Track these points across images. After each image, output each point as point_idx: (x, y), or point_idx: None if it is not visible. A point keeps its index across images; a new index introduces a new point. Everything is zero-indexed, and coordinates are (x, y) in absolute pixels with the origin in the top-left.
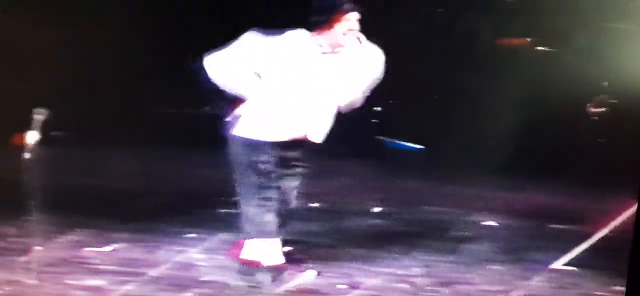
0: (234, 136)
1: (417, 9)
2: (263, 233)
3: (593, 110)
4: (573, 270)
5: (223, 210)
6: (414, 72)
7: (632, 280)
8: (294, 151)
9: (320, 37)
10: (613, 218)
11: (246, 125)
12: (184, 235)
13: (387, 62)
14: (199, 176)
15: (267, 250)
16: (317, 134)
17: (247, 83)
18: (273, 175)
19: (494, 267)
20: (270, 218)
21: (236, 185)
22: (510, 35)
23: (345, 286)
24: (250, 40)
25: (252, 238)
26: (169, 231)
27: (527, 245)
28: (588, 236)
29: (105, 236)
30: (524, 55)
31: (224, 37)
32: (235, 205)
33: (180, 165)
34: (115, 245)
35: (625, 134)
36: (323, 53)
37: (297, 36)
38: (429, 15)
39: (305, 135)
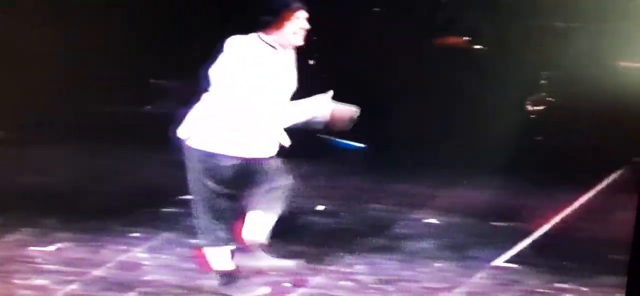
0: (190, 147)
1: (355, 6)
2: (215, 241)
3: (531, 108)
4: (515, 267)
5: (166, 210)
6: (356, 70)
7: (632, 281)
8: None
9: (270, 37)
10: (554, 215)
11: (204, 136)
12: (127, 234)
13: (330, 60)
14: (142, 175)
15: (218, 256)
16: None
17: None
18: (226, 185)
19: (437, 264)
20: (221, 226)
21: (191, 192)
22: (448, 34)
23: (289, 285)
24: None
25: (205, 245)
26: (113, 231)
27: (469, 242)
28: (529, 233)
29: (49, 235)
30: (462, 54)
31: (168, 36)
32: (178, 204)
33: (124, 164)
34: (59, 245)
35: (563, 131)
36: (273, 48)
37: (247, 41)
38: (367, 13)
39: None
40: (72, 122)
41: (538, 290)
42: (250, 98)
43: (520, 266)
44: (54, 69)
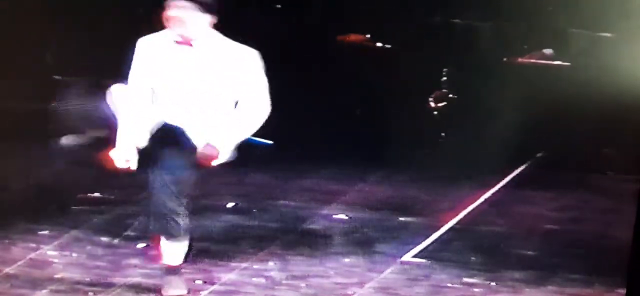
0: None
1: (261, 4)
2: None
3: (433, 104)
4: (423, 262)
5: (75, 207)
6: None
7: (632, 284)
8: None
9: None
10: (459, 210)
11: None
12: (36, 232)
13: None
14: (49, 172)
15: (169, 249)
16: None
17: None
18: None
19: (347, 260)
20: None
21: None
22: (350, 32)
23: (201, 282)
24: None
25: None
26: (22, 228)
27: (379, 237)
28: (436, 228)
29: None
30: (364, 52)
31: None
32: (87, 202)
33: (29, 161)
34: None
35: (466, 128)
36: (176, 42)
37: (153, 37)
38: (272, 11)
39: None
40: None
41: (447, 284)
42: (161, 95)
43: (429, 261)
44: None
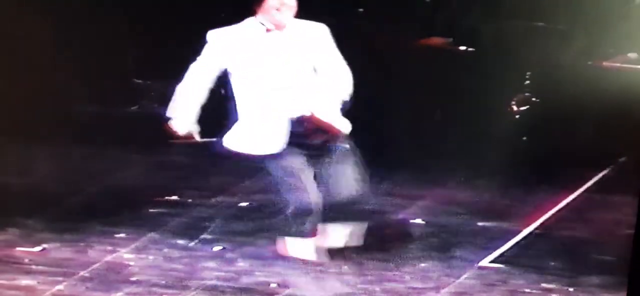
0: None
1: (340, 7)
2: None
3: (515, 108)
4: (501, 267)
5: (152, 210)
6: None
7: (633, 283)
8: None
9: (260, 16)
10: (539, 215)
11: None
12: (113, 235)
13: None
14: (127, 176)
15: (301, 247)
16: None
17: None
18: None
19: (423, 265)
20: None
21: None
22: (430, 35)
23: (275, 285)
24: (211, 43)
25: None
26: (99, 231)
27: (456, 242)
28: (515, 233)
29: (35, 236)
30: (445, 54)
31: (153, 35)
32: (164, 204)
33: (109, 165)
34: (46, 245)
35: (548, 131)
36: (267, 30)
37: (246, 24)
38: (350, 14)
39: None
40: (56, 123)
41: (524, 290)
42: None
43: (507, 267)
44: (36, 69)
